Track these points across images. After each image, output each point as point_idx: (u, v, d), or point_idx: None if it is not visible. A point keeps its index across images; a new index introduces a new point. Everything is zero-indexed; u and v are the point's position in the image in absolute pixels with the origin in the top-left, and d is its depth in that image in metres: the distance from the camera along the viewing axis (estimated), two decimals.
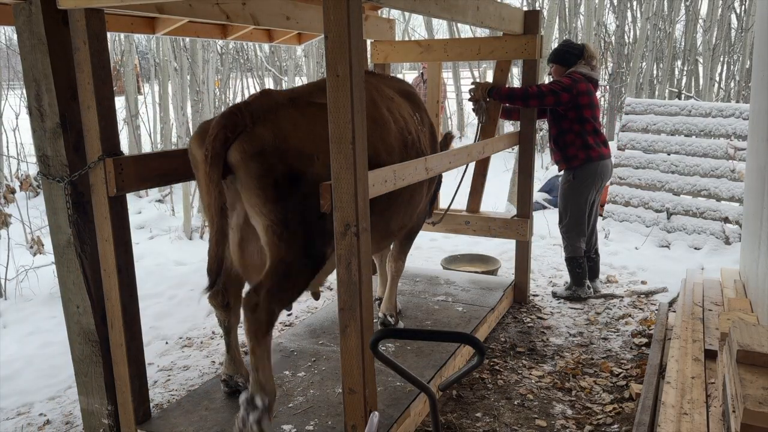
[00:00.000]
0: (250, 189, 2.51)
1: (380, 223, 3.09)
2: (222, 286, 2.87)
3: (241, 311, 2.62)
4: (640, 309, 4.61)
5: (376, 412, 1.77)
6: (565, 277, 5.30)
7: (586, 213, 4.65)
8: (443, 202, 4.92)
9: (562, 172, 4.75)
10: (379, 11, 4.94)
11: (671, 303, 4.56)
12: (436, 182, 3.97)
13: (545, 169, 10.15)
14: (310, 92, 2.83)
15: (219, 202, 2.46)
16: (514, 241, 4.72)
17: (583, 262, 4.75)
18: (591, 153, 4.51)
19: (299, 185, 2.51)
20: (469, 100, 4.63)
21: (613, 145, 8.55)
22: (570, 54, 4.60)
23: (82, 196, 2.64)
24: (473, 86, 4.57)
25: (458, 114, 14.83)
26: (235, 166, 2.49)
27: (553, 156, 4.79)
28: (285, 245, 2.54)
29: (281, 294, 2.56)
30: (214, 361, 3.87)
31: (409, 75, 19.35)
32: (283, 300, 2.62)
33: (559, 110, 4.50)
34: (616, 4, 12.88)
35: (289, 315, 4.61)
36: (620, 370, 3.62)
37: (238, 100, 9.15)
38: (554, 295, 4.90)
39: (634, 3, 12.86)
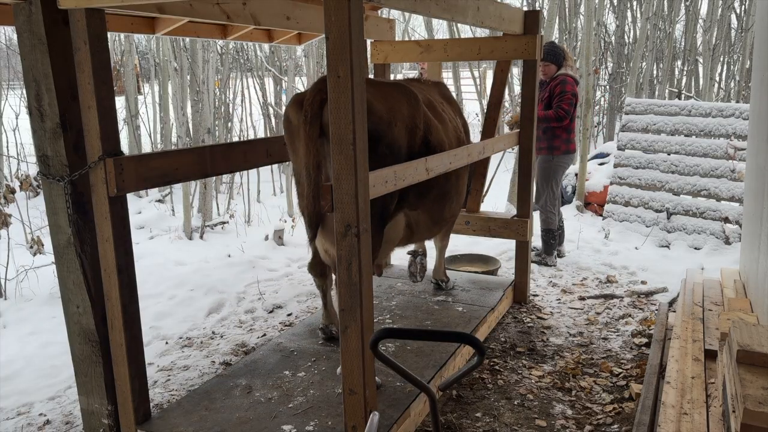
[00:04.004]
0: None
1: (436, 211, 3.63)
2: (317, 258, 3.41)
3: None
4: (640, 309, 4.62)
5: (376, 413, 1.77)
6: (565, 277, 5.34)
7: (558, 192, 5.61)
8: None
9: (538, 157, 5.53)
10: (379, 11, 4.94)
11: (671, 303, 4.56)
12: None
13: None
14: (374, 79, 3.52)
15: (317, 159, 2.86)
16: (514, 241, 4.73)
17: (556, 234, 5.63)
18: (570, 146, 5.48)
19: (379, 146, 2.97)
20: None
21: (613, 145, 8.59)
22: (560, 56, 5.42)
23: (82, 196, 2.64)
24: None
25: None
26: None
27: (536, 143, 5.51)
28: None
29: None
30: (214, 361, 3.87)
31: (409, 76, 19.35)
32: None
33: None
34: (616, 4, 12.87)
35: (288, 315, 4.62)
36: (620, 370, 3.63)
37: (238, 100, 9.15)
38: (541, 262, 5.60)
39: (634, 3, 12.84)
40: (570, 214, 7.03)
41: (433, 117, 3.50)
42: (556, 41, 11.40)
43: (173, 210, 7.83)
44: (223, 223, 7.14)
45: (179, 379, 3.66)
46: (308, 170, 2.86)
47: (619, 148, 7.07)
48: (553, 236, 5.61)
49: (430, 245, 4.50)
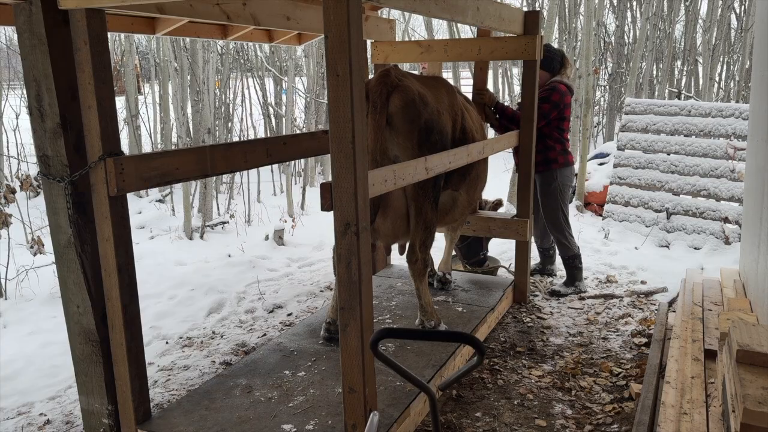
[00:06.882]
0: (404, 132, 3.27)
1: (471, 191, 4.02)
2: None
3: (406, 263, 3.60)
4: (640, 309, 4.62)
5: (376, 412, 1.77)
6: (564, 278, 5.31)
7: (568, 211, 5.03)
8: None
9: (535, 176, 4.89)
10: (379, 11, 4.94)
11: (671, 303, 4.56)
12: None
13: None
14: (416, 74, 3.86)
15: (383, 146, 3.20)
16: (513, 241, 4.73)
17: (581, 256, 5.00)
18: (568, 157, 4.91)
19: (432, 133, 3.32)
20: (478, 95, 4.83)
21: (612, 145, 8.59)
22: (555, 61, 4.81)
23: (83, 196, 2.65)
24: (482, 92, 4.71)
25: None
26: (394, 114, 3.25)
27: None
28: (422, 191, 3.35)
29: (428, 243, 3.54)
30: (214, 361, 3.87)
31: None
32: (429, 246, 3.56)
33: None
34: (616, 4, 12.86)
35: (288, 315, 4.62)
36: (620, 370, 3.63)
37: (239, 100, 9.16)
38: (557, 294, 4.90)
39: (634, 3, 12.84)
40: (570, 215, 7.01)
41: (464, 105, 3.87)
42: (556, 42, 11.45)
43: (173, 210, 7.83)
44: (224, 223, 7.14)
45: (179, 378, 3.66)
46: (374, 155, 3.14)
47: (618, 148, 7.07)
48: (580, 260, 4.95)
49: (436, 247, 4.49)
